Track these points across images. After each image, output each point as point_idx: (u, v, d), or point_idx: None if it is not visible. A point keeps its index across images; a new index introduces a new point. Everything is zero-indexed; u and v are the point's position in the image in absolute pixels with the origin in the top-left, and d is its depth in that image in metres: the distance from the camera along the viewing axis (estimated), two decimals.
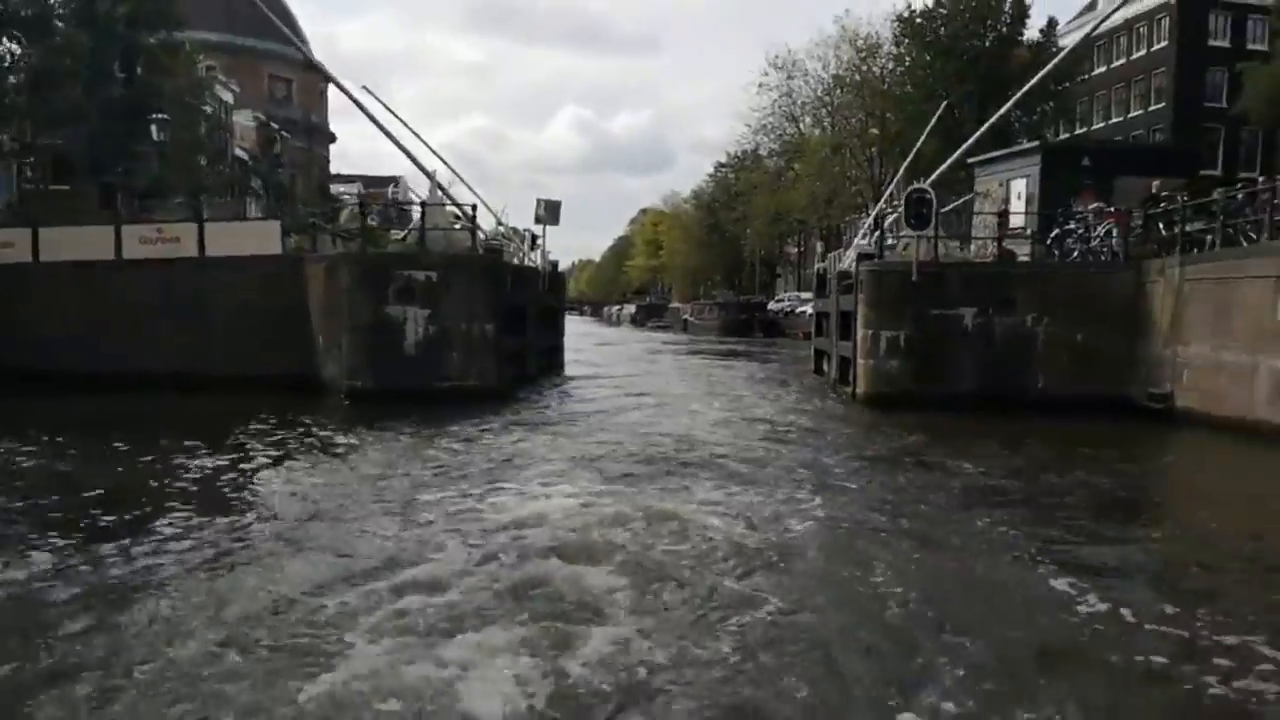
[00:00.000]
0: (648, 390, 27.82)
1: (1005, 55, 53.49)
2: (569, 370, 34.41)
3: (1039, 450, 17.29)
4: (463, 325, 23.39)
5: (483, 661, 7.42)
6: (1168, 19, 59.89)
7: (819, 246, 74.29)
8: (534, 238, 34.70)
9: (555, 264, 38.59)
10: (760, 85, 70.91)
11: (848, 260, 27.40)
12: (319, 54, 43.08)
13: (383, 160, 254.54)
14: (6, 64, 33.27)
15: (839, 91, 65.96)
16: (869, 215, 34.27)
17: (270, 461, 15.80)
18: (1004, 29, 54.76)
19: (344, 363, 23.51)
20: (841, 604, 8.82)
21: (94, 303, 25.53)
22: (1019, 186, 30.39)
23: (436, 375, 23.16)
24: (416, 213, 27.45)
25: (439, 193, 28.20)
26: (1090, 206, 25.42)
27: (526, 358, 28.68)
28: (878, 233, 27.60)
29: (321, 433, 18.77)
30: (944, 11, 54.80)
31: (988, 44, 53.98)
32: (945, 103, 40.65)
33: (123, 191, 39.98)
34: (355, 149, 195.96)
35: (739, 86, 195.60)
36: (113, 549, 10.24)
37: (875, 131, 62.76)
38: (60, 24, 32.94)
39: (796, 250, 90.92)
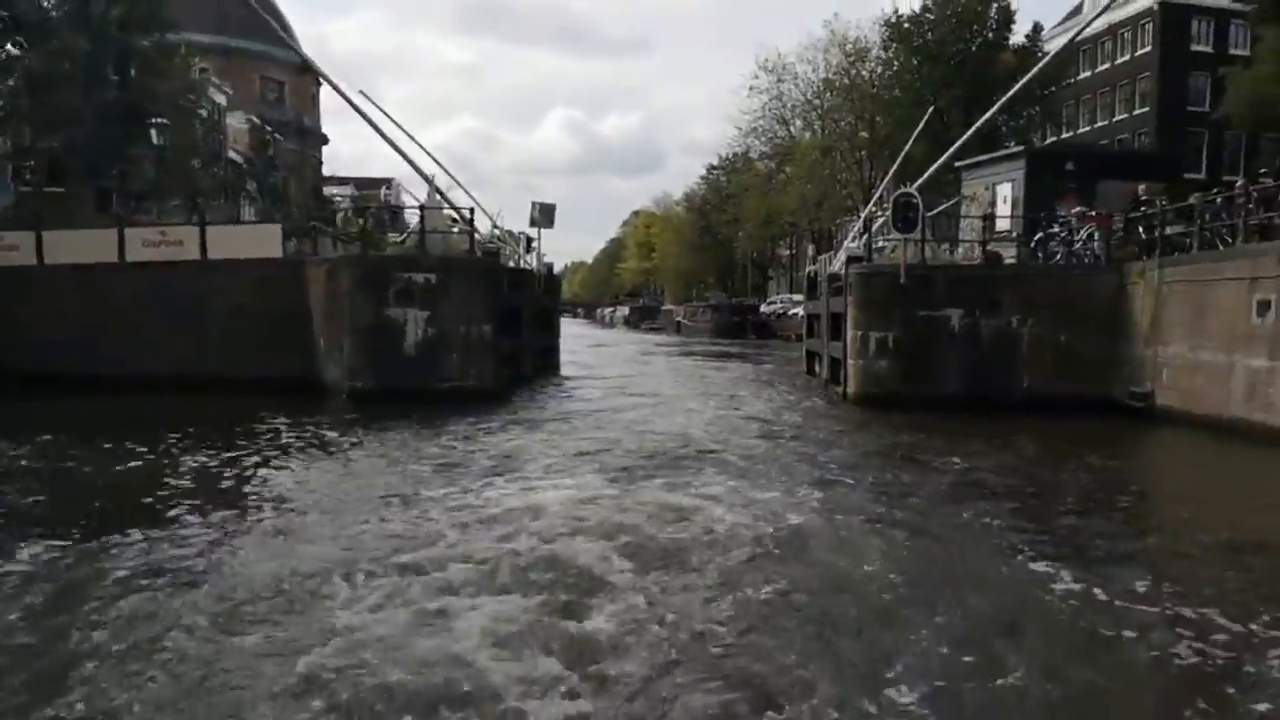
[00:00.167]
0: (643, 390, 28.33)
1: (991, 60, 53.93)
2: (564, 371, 34.91)
3: (1024, 447, 17.78)
4: (461, 327, 23.86)
5: (493, 628, 8.02)
6: (1151, 24, 60.37)
7: (810, 248, 74.47)
8: (529, 240, 35.18)
9: (550, 266, 39.11)
10: (751, 88, 71.18)
11: (838, 263, 27.89)
12: (309, 55, 43.44)
13: (374, 162, 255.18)
14: (5, 68, 33.54)
15: (829, 95, 66.20)
16: (859, 217, 34.65)
17: (277, 459, 16.27)
18: (990, 34, 55.29)
19: (345, 364, 23.99)
20: (834, 585, 9.38)
21: (98, 305, 25.89)
22: (1005, 190, 30.92)
23: (436, 376, 23.63)
24: (410, 215, 27.85)
25: (437, 197, 28.65)
26: (1073, 210, 25.97)
27: (523, 359, 29.18)
28: (866, 236, 28.07)
29: (325, 432, 19.21)
30: (931, 17, 55.39)
31: (974, 49, 54.45)
32: (933, 107, 41.08)
33: (118, 194, 40.44)
34: (346, 151, 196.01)
35: (728, 89, 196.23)
36: (135, 539, 10.76)
37: (865, 135, 63.17)
38: (56, 28, 33.16)
39: (788, 252, 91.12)
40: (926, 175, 27.98)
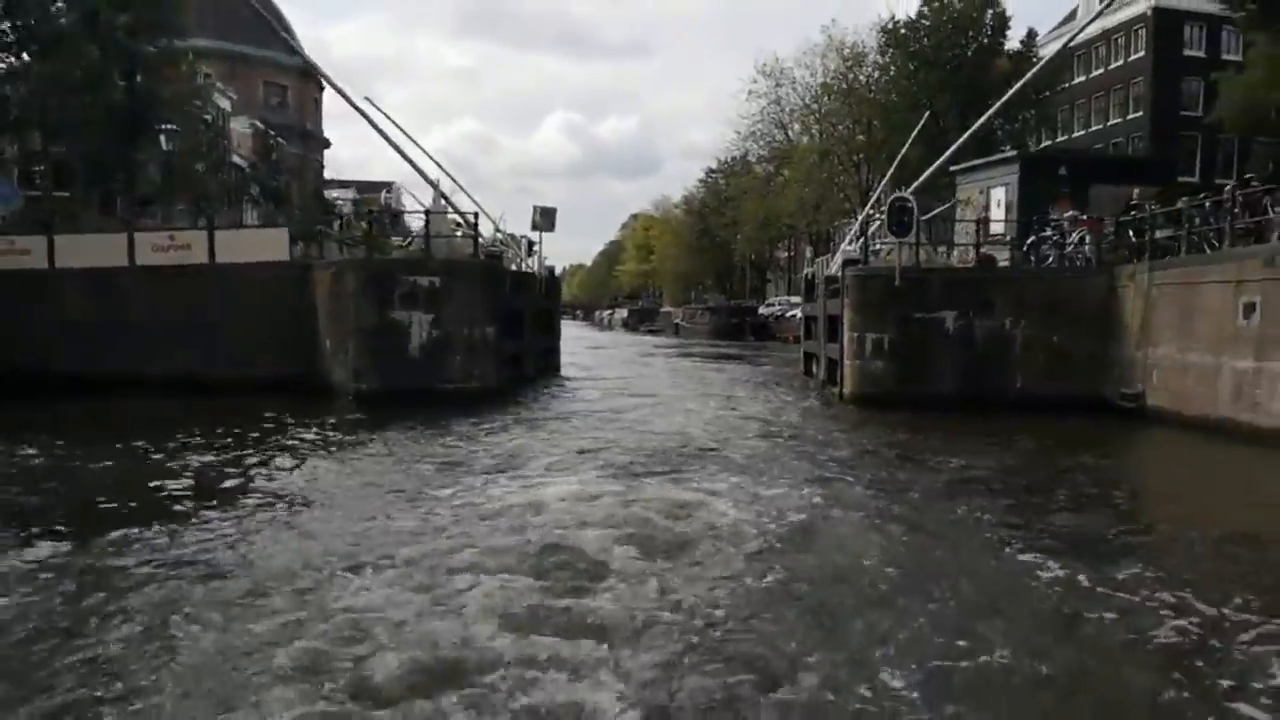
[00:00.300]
0: (643, 391, 28.80)
1: (986, 65, 54.08)
2: (565, 372, 35.32)
3: (1016, 446, 18.18)
4: (465, 329, 24.28)
5: (500, 610, 8.53)
6: (1144, 30, 60.72)
7: (808, 251, 74.83)
8: (530, 244, 35.62)
9: (552, 269, 39.53)
10: (749, 93, 71.63)
11: (834, 266, 28.25)
12: (313, 60, 43.92)
13: (375, 165, 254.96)
14: (19, 76, 33.88)
15: (826, 99, 66.47)
16: (856, 220, 35.00)
17: (286, 458, 16.67)
18: (985, 40, 55.50)
19: (350, 365, 24.40)
20: (832, 575, 9.84)
21: (108, 308, 26.21)
22: (999, 194, 31.26)
23: (440, 377, 24.04)
24: (410, 219, 28.19)
25: (442, 201, 29.07)
26: (1066, 214, 26.38)
27: (525, 360, 29.60)
28: (863, 239, 28.47)
29: (333, 432, 19.70)
30: (927, 23, 55.74)
31: (969, 54, 54.64)
32: (929, 112, 41.41)
33: (122, 198, 40.83)
34: (346, 154, 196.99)
35: (727, 93, 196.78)
36: (154, 533, 11.22)
37: (862, 138, 63.49)
38: (71, 38, 33.47)
39: (786, 254, 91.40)
40: (922, 179, 28.38)
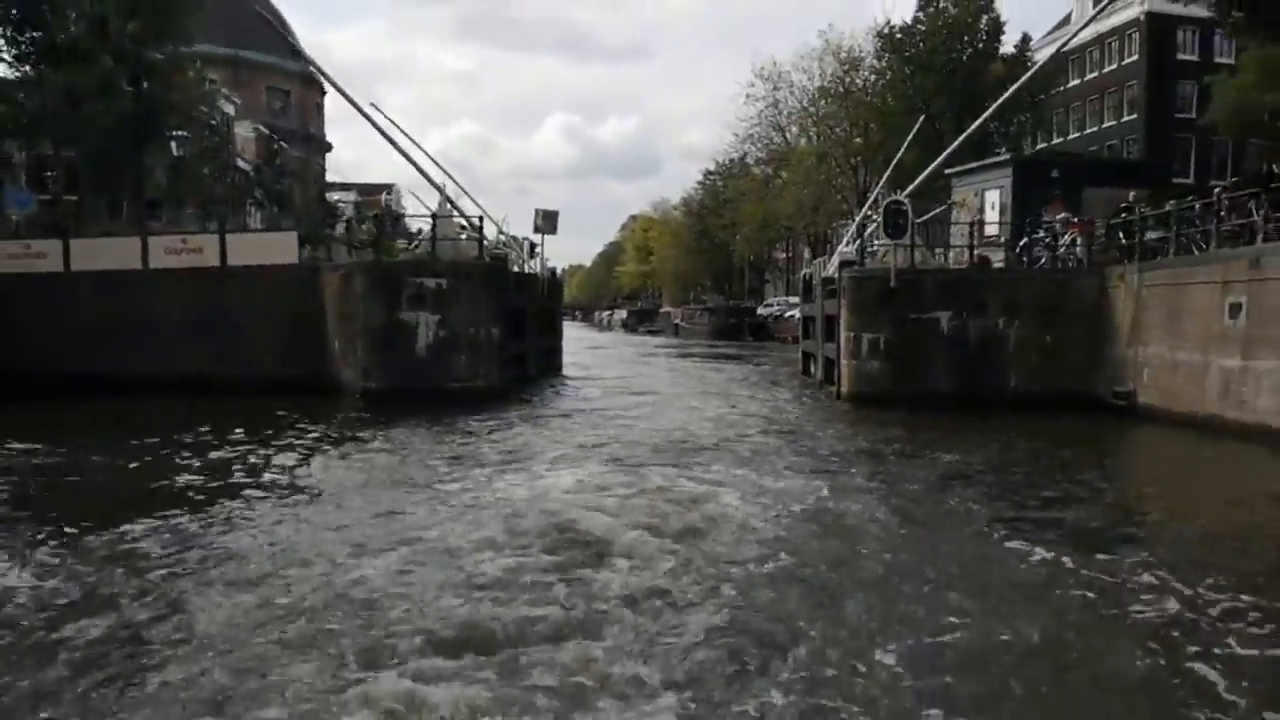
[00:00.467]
0: (644, 389, 29.34)
1: (982, 70, 54.43)
2: (566, 372, 35.87)
3: (1008, 442, 18.67)
4: (470, 329, 24.82)
5: (513, 580, 9.28)
6: (1138, 34, 61.02)
7: (806, 252, 75.09)
8: (532, 246, 36.16)
9: (554, 271, 40.06)
10: (747, 96, 71.91)
11: (831, 267, 28.71)
12: (317, 66, 44.39)
13: (375, 168, 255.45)
14: (36, 85, 34.32)
15: (824, 102, 66.76)
16: (854, 222, 35.40)
17: (300, 453, 17.20)
18: (980, 44, 55.89)
19: (359, 365, 24.93)
20: (830, 558, 10.41)
21: (123, 310, 26.61)
22: (993, 197, 31.83)
23: (446, 376, 24.58)
24: (411, 222, 28.61)
25: (448, 205, 29.58)
26: (1058, 216, 26.89)
27: (528, 360, 30.12)
28: (859, 241, 28.95)
29: (344, 429, 20.25)
30: (923, 28, 56.02)
31: (965, 59, 55.05)
32: (924, 115, 41.79)
33: (129, 203, 41.31)
34: (346, 157, 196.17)
35: (725, 95, 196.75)
36: (182, 522, 11.81)
37: (859, 141, 63.72)
38: (89, 49, 33.87)
39: (785, 255, 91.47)
40: (917, 182, 28.83)
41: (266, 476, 15.17)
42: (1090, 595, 9.09)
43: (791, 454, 17.31)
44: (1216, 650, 7.72)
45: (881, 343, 24.20)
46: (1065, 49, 44.56)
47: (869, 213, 32.80)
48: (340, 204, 65.13)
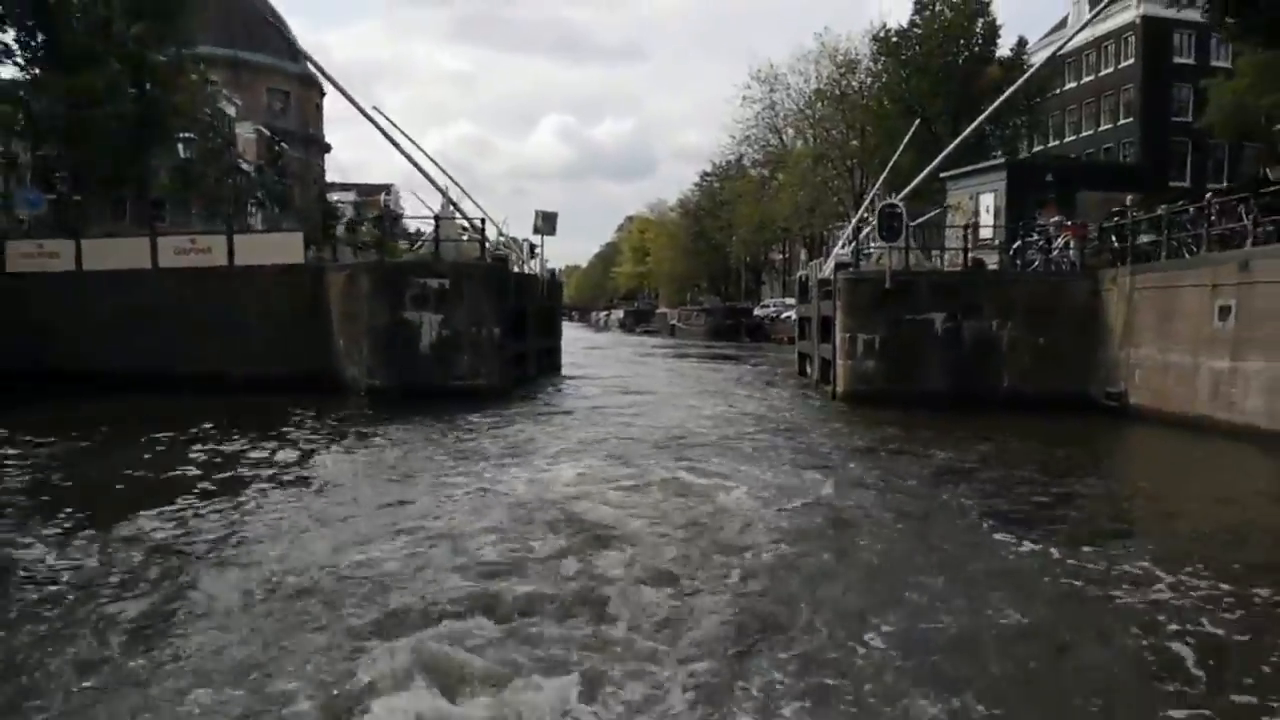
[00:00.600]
0: (642, 389, 29.76)
1: (978, 73, 54.75)
2: (565, 371, 36.23)
3: (1001, 441, 18.98)
4: (473, 329, 25.20)
5: (520, 561, 9.80)
6: (1133, 37, 61.38)
7: (803, 253, 75.26)
8: (532, 247, 36.55)
9: (553, 272, 40.44)
10: (744, 98, 72.18)
11: (827, 269, 29.10)
12: (317, 69, 44.86)
13: (373, 168, 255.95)
14: (47, 88, 34.59)
15: (820, 105, 67.13)
16: (850, 224, 35.67)
17: (310, 448, 17.61)
18: (976, 48, 56.24)
19: (363, 363, 25.33)
20: (826, 546, 10.82)
21: (134, 309, 26.94)
22: (987, 200, 32.19)
23: (448, 375, 24.96)
24: (409, 223, 28.88)
25: (450, 207, 29.94)
26: (1051, 220, 27.26)
27: (528, 359, 30.51)
28: (854, 243, 29.29)
29: (351, 425, 20.60)
30: (919, 31, 56.37)
31: (961, 62, 55.41)
32: (919, 119, 42.10)
33: (132, 203, 41.65)
34: (344, 157, 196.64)
35: (721, 96, 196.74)
36: (200, 511, 12.25)
37: (855, 143, 63.95)
38: (101, 53, 34.16)
39: (781, 257, 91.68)
40: (912, 185, 29.16)
41: (278, 469, 15.61)
42: (1077, 583, 9.49)
43: (789, 450, 17.71)
44: (1194, 632, 8.12)
45: (876, 343, 24.56)
46: (1061, 52, 44.87)
47: (865, 215, 33.14)
48: (339, 204, 65.46)
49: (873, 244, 27.76)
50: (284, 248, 28.23)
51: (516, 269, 32.76)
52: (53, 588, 9.17)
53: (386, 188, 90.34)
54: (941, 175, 33.95)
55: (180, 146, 39.84)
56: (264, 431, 18.95)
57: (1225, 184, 47.04)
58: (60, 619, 8.34)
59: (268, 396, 23.40)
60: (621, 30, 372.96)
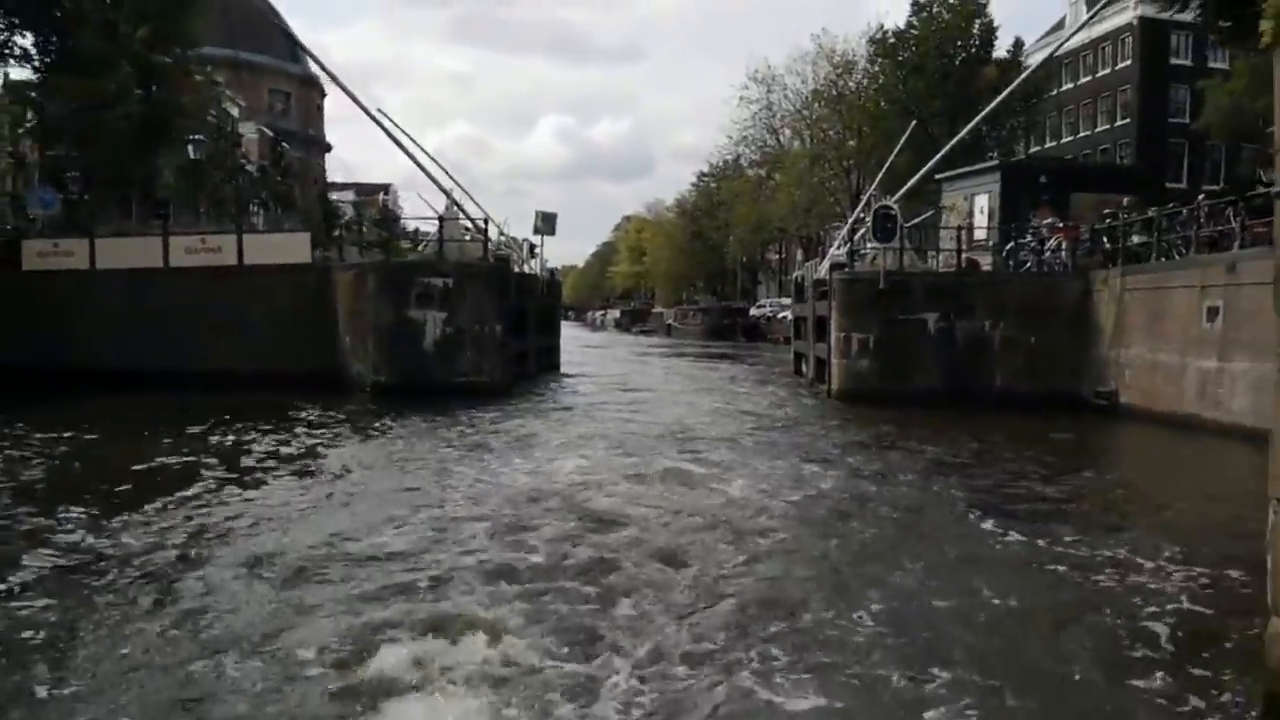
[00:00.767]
0: (641, 386, 30.36)
1: (974, 74, 55.05)
2: (564, 369, 36.69)
3: (992, 438, 19.44)
4: (475, 327, 25.67)
5: (534, 541, 10.40)
6: (1131, 39, 61.35)
7: (799, 254, 75.50)
8: (532, 247, 37.00)
9: (553, 272, 40.89)
10: (741, 99, 72.30)
11: (823, 269, 29.59)
12: (318, 71, 45.51)
13: (372, 168, 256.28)
14: (60, 91, 34.94)
15: (817, 106, 67.40)
16: (846, 224, 35.97)
17: (319, 442, 18.27)
18: (973, 49, 56.58)
19: (369, 360, 25.79)
20: (822, 533, 11.38)
21: (145, 307, 27.44)
22: (982, 201, 32.48)
23: (452, 372, 25.41)
24: (408, 223, 29.26)
25: (454, 208, 30.40)
26: (1044, 221, 27.66)
27: (528, 357, 31.04)
28: (850, 244, 29.71)
29: (357, 420, 21.13)
30: (915, 33, 56.69)
31: (958, 63, 55.74)
32: (915, 121, 42.37)
33: (139, 203, 42.00)
34: (347, 157, 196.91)
35: (718, 95, 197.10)
36: (221, 498, 12.89)
37: (852, 144, 64.24)
38: (113, 58, 34.49)
39: (778, 257, 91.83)
40: (907, 186, 29.56)
41: (291, 459, 16.30)
42: (1061, 569, 9.98)
43: (785, 445, 18.22)
44: (1170, 611, 8.63)
45: (871, 343, 25.01)
46: (1058, 53, 45.23)
47: (861, 216, 33.50)
48: (339, 204, 65.79)
49: (868, 245, 28.12)
50: (292, 247, 28.72)
51: (517, 269, 33.20)
52: (100, 565, 9.71)
53: (385, 187, 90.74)
54: (936, 177, 34.18)
55: (190, 148, 40.09)
56: (274, 425, 19.57)
57: (1222, 186, 47.19)
58: (96, 589, 8.94)
59: (275, 393, 23.78)
60: (619, 31, 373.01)
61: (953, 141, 30.98)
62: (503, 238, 34.86)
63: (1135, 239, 24.94)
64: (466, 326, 25.56)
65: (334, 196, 70.30)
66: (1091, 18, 42.51)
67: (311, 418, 21.09)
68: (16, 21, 32.96)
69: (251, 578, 9.31)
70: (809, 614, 8.45)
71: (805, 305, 32.15)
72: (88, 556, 9.99)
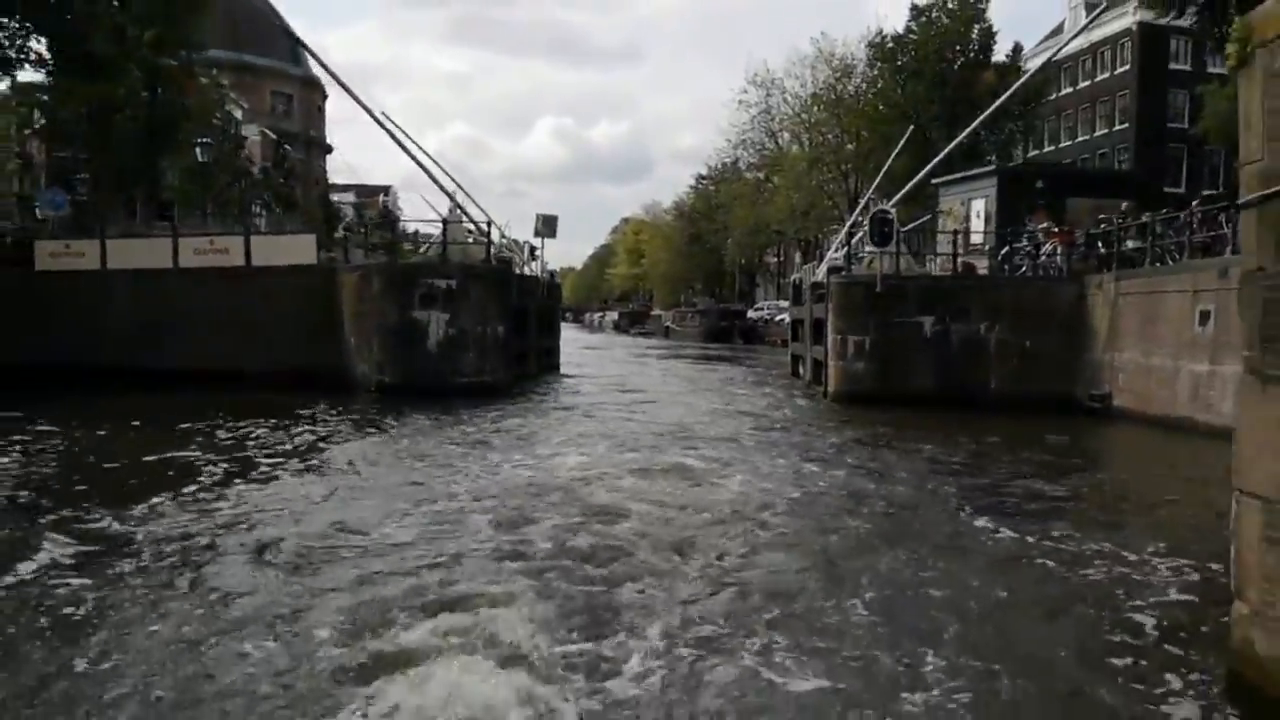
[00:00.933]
0: (640, 387, 30.80)
1: (973, 78, 55.13)
2: (563, 370, 37.18)
3: (986, 439, 19.70)
4: (478, 328, 26.11)
5: (540, 530, 10.89)
6: (1130, 44, 61.74)
7: (797, 256, 75.77)
8: (533, 249, 37.38)
9: (553, 274, 41.25)
10: (740, 102, 73.06)
11: (820, 273, 29.88)
12: (317, 72, 46.03)
13: (374, 170, 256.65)
14: (72, 96, 35.27)
15: (816, 109, 67.78)
16: (844, 228, 36.20)
17: (327, 438, 18.73)
18: (972, 53, 56.67)
19: (373, 360, 26.18)
20: (818, 527, 11.75)
21: (155, 307, 27.88)
22: (978, 206, 32.75)
23: (455, 372, 25.82)
24: (407, 224, 29.61)
25: (458, 210, 30.76)
26: (1039, 226, 27.97)
27: (529, 358, 31.46)
28: (847, 247, 30.04)
29: (362, 418, 21.57)
30: (914, 37, 56.83)
31: (956, 67, 55.83)
32: (913, 125, 42.62)
33: (143, 204, 42.38)
34: (351, 159, 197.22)
35: (717, 98, 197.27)
36: (232, 491, 13.23)
37: (850, 148, 64.47)
38: (123, 62, 34.82)
39: (776, 259, 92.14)
40: (904, 191, 29.90)
41: (300, 454, 16.74)
42: (1050, 563, 10.33)
43: (782, 444, 18.62)
44: (1152, 600, 9.02)
45: (867, 345, 25.35)
46: (1057, 58, 45.44)
47: (859, 219, 33.79)
48: (339, 205, 66.17)
49: (865, 248, 28.42)
50: (298, 249, 29.10)
51: (519, 271, 33.58)
52: (114, 548, 10.19)
53: (385, 189, 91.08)
54: (934, 181, 34.48)
55: (198, 151, 40.48)
56: (282, 423, 20.02)
57: (1220, 190, 47.36)
58: (126, 573, 9.38)
59: (282, 392, 24.16)
60: (618, 32, 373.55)
61: (950, 145, 31.27)
62: (504, 240, 35.22)
63: (1130, 244, 25.19)
64: (470, 327, 25.93)
65: (335, 198, 70.70)
66: (1090, 22, 42.75)
67: (318, 416, 21.47)
68: (31, 27, 33.29)
69: (267, 562, 9.77)
70: (807, 601, 8.83)
71: (802, 308, 32.48)
72: (114, 543, 10.40)
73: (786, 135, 74.90)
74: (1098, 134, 64.35)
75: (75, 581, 9.01)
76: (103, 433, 18.75)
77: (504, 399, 24.94)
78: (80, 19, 32.93)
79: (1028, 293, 25.99)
